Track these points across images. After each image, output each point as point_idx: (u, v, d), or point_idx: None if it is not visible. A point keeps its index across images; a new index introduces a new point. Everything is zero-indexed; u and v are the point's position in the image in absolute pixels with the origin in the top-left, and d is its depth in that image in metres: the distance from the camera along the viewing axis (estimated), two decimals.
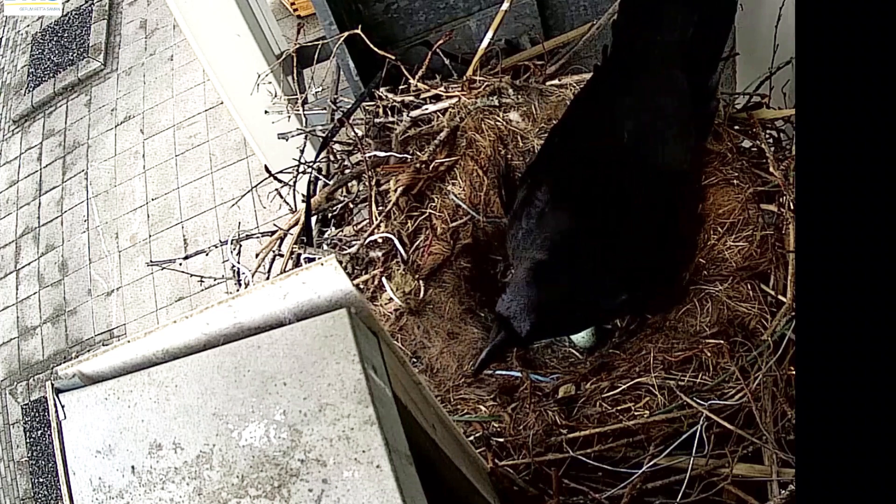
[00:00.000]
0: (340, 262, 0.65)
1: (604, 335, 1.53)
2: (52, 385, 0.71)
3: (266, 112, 2.19)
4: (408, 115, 1.76)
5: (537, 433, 1.31)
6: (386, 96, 1.81)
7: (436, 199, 1.70)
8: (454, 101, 1.73)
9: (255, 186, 1.89)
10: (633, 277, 1.35)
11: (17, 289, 4.45)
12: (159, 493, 0.66)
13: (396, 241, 1.62)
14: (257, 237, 1.84)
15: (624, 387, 1.33)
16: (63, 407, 0.70)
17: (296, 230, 1.72)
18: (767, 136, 1.56)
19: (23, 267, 4.51)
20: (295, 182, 1.85)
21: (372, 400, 0.63)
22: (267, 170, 1.87)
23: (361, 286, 1.62)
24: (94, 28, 5.15)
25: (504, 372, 1.47)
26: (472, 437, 1.33)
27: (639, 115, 1.42)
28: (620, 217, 1.36)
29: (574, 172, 1.44)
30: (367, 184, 1.71)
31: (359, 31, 1.75)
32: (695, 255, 1.45)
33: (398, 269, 1.59)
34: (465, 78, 1.76)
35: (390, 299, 1.57)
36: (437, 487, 0.73)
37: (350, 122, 1.80)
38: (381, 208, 1.66)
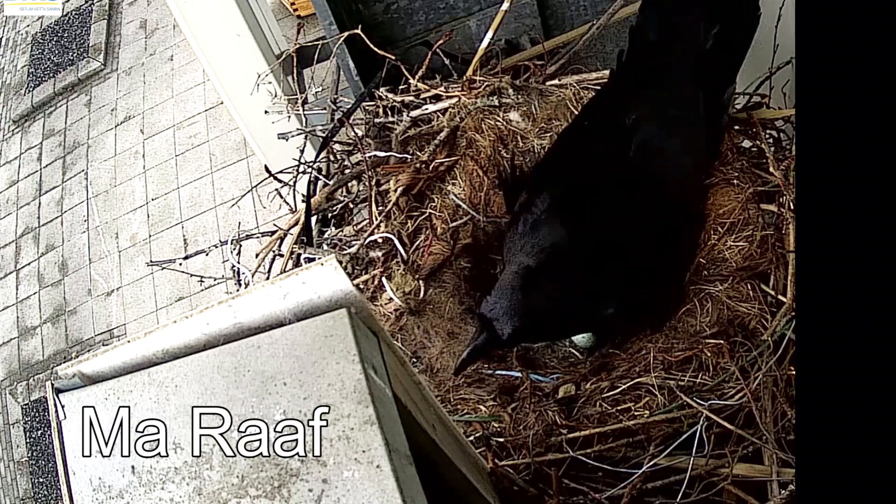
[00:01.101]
0: (340, 262, 0.65)
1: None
2: (52, 385, 0.71)
3: (266, 112, 2.19)
4: (408, 115, 1.76)
5: (537, 433, 1.31)
6: (386, 96, 1.81)
7: (436, 199, 1.70)
8: (454, 101, 1.73)
9: (255, 186, 1.89)
10: (621, 293, 1.35)
11: (17, 289, 4.45)
12: (159, 493, 0.66)
13: (396, 241, 1.62)
14: (257, 237, 1.84)
15: (624, 387, 1.33)
16: (63, 407, 0.70)
17: (296, 230, 1.72)
18: (767, 136, 1.56)
19: (23, 267, 4.51)
20: (295, 182, 1.85)
21: (372, 400, 0.63)
22: (267, 170, 1.87)
23: (361, 286, 1.61)
24: (94, 28, 5.15)
25: (504, 372, 1.47)
26: (472, 437, 1.33)
27: (648, 130, 1.42)
28: (616, 232, 1.36)
29: (575, 183, 1.44)
30: (367, 184, 1.71)
31: (359, 31, 1.75)
32: (685, 279, 1.44)
33: (398, 269, 1.59)
34: (465, 78, 1.76)
35: (390, 299, 1.57)
36: (437, 487, 0.73)
37: (350, 122, 1.80)
38: (381, 208, 1.66)
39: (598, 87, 1.63)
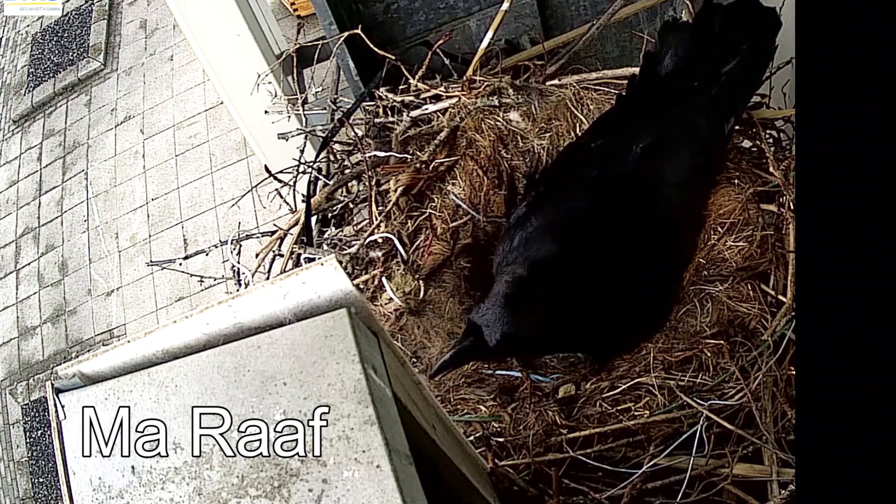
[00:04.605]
0: (340, 262, 0.65)
1: None
2: (52, 385, 0.71)
3: (266, 112, 2.19)
4: (408, 115, 1.76)
5: (537, 433, 1.31)
6: (386, 96, 1.81)
7: (436, 199, 1.70)
8: (454, 101, 1.73)
9: (255, 186, 1.89)
10: (608, 316, 1.35)
11: (17, 289, 4.45)
12: (159, 493, 0.66)
13: (396, 241, 1.62)
14: (257, 237, 1.84)
15: (624, 387, 1.33)
16: (63, 407, 0.70)
17: (296, 230, 1.72)
18: (767, 136, 1.56)
19: (23, 267, 4.51)
20: (295, 182, 1.85)
21: (372, 400, 0.63)
22: (267, 170, 1.87)
23: (361, 286, 1.61)
24: (94, 28, 5.15)
25: (504, 372, 1.47)
26: (472, 437, 1.33)
27: (650, 157, 1.42)
28: (608, 255, 1.37)
29: (573, 201, 1.45)
30: (367, 184, 1.71)
31: (359, 31, 1.76)
32: (673, 306, 1.44)
33: (398, 269, 1.59)
34: (465, 78, 1.76)
35: (390, 299, 1.57)
36: (437, 487, 0.73)
37: (350, 122, 1.80)
38: (381, 208, 1.66)
39: (609, 103, 1.62)
